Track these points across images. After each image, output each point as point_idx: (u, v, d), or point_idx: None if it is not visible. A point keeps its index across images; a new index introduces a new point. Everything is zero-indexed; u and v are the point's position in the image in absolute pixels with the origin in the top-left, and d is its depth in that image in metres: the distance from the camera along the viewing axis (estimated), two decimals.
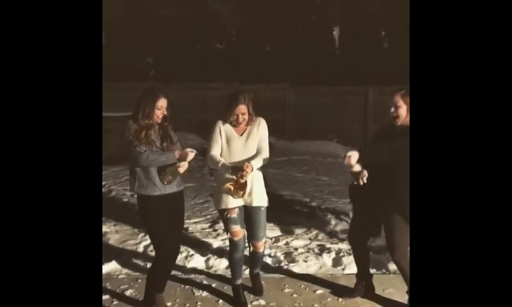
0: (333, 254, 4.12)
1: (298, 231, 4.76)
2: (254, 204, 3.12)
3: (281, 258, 4.09)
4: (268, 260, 4.03)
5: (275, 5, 12.40)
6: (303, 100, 10.85)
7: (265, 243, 3.39)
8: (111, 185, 6.56)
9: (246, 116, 3.07)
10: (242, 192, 3.03)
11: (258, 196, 3.13)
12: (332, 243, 4.41)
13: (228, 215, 3.09)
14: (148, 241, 4.40)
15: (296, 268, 3.88)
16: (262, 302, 3.29)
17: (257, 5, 12.61)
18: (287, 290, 3.47)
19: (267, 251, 4.20)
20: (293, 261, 4.01)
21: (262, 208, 3.17)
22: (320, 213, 5.30)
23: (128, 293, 3.46)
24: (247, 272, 3.52)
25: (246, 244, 3.31)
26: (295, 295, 3.39)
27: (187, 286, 3.52)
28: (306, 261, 3.99)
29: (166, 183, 2.90)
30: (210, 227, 4.87)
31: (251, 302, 3.28)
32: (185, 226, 4.87)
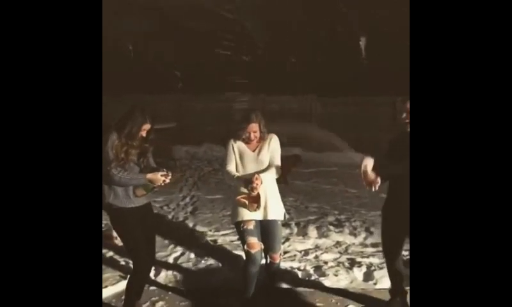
0: (364, 268, 4.05)
1: (327, 244, 4.70)
2: (269, 218, 3.16)
3: (311, 271, 4.04)
4: (298, 274, 3.99)
5: (300, 16, 12.45)
6: (330, 111, 10.80)
7: (280, 255, 3.38)
8: (153, 198, 6.65)
9: (258, 134, 3.18)
10: (256, 205, 3.08)
11: (274, 209, 3.18)
12: (363, 257, 4.33)
13: (245, 227, 3.14)
14: (179, 253, 4.46)
15: (326, 282, 3.82)
16: None
17: (283, 17, 12.70)
18: (318, 305, 3.42)
19: (296, 264, 4.17)
20: (323, 275, 3.96)
21: (278, 222, 3.22)
22: (350, 227, 5.22)
23: (159, 305, 3.49)
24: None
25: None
26: None
27: None
28: (336, 275, 3.93)
29: (139, 196, 3.00)
30: (239, 239, 4.86)
31: None
32: (214, 238, 4.91)
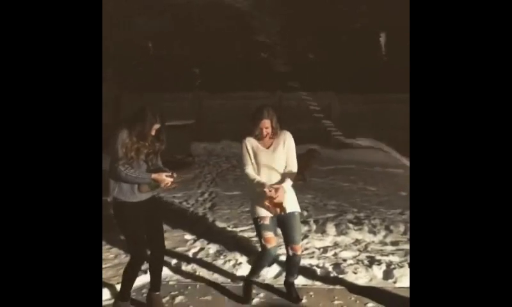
0: (383, 267, 4.01)
1: (346, 242, 4.67)
2: (287, 211, 3.20)
3: (330, 268, 4.02)
4: (317, 271, 3.98)
5: (319, 12, 12.36)
6: (349, 108, 10.71)
7: (301, 247, 3.43)
8: (159, 192, 6.72)
9: (270, 130, 3.21)
10: (279, 210, 3.16)
11: (291, 203, 3.23)
12: (382, 255, 4.29)
13: (261, 222, 3.20)
14: (197, 248, 4.49)
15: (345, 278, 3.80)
16: None
17: (300, 13, 12.63)
18: (336, 302, 3.41)
19: (315, 261, 4.16)
20: (342, 272, 3.94)
21: (296, 213, 3.27)
22: (369, 225, 5.18)
23: (178, 299, 3.53)
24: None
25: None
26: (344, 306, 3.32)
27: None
28: (355, 273, 3.90)
29: (143, 192, 3.10)
30: (256, 235, 4.88)
31: None
32: (232, 234, 4.94)
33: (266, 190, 3.08)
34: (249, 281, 3.46)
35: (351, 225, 5.12)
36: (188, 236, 4.76)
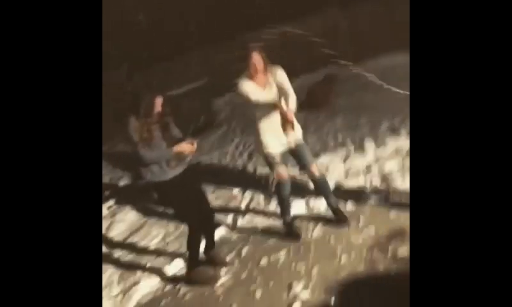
0: None
1: (387, 152, 4.70)
2: (293, 144, 3.49)
3: (378, 183, 4.10)
4: (367, 189, 4.08)
5: None
6: (356, 23, 10.26)
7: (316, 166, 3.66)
8: (198, 157, 6.86)
9: (262, 64, 3.33)
10: (291, 127, 3.33)
11: (295, 134, 3.45)
12: None
13: (273, 160, 3.46)
14: (248, 199, 4.65)
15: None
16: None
17: None
18: (392, 216, 3.52)
19: (362, 180, 4.24)
20: (391, 182, 4.01)
21: (302, 142, 3.53)
22: (406, 128, 5.13)
23: (244, 251, 3.73)
24: None
25: None
26: (401, 216, 3.43)
27: None
28: (404, 180, 3.96)
29: (173, 167, 3.26)
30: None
31: None
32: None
33: (282, 106, 3.27)
34: (286, 220, 3.68)
35: (387, 134, 5.12)
36: (236, 191, 4.91)
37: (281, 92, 3.35)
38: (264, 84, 3.40)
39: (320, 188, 3.66)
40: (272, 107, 3.36)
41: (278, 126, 3.36)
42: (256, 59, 3.33)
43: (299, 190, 4.30)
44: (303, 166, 3.58)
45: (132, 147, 3.18)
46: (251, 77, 3.39)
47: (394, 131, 5.21)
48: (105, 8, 2.38)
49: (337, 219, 3.62)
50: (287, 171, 3.54)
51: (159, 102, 3.21)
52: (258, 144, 3.53)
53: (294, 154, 3.55)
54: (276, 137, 3.43)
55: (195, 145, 3.26)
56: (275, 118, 3.36)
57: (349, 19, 10.59)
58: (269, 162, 3.52)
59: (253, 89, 3.36)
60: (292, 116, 3.27)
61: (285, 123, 3.31)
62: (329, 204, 3.69)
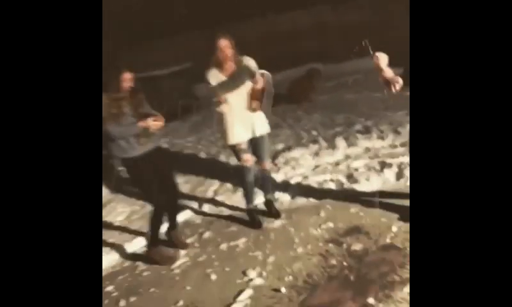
0: (394, 169, 4.15)
1: (357, 152, 4.80)
2: (257, 135, 3.53)
3: (343, 180, 4.19)
4: (331, 185, 4.16)
5: None
6: (344, 19, 10.34)
7: (269, 162, 3.84)
8: (173, 140, 6.89)
9: (230, 50, 3.36)
10: (258, 103, 3.40)
11: (261, 126, 3.54)
12: (393, 157, 4.41)
13: (239, 147, 3.53)
14: (216, 186, 4.70)
15: (359, 188, 3.98)
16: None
17: None
18: (352, 210, 3.61)
19: (328, 176, 4.32)
20: (355, 181, 4.10)
21: (265, 135, 3.59)
22: (378, 131, 5.25)
23: (206, 235, 3.78)
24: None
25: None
26: (361, 213, 3.52)
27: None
28: (368, 180, 4.06)
29: (142, 143, 3.30)
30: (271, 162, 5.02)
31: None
32: None
33: (257, 76, 3.30)
34: (250, 210, 3.78)
35: (359, 135, 5.21)
36: (205, 176, 4.95)
37: (249, 73, 3.35)
38: (231, 72, 3.41)
39: (263, 182, 3.80)
40: (238, 96, 3.40)
41: (243, 115, 3.43)
42: (224, 44, 3.34)
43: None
44: (258, 158, 3.67)
45: (104, 127, 3.16)
46: (218, 64, 3.41)
47: (366, 132, 5.30)
48: None
49: (269, 213, 3.81)
50: (251, 158, 3.61)
51: (127, 77, 3.22)
52: (225, 135, 3.57)
53: (254, 144, 3.60)
54: (242, 126, 3.47)
55: (161, 122, 3.28)
56: (240, 106, 3.42)
57: (339, 15, 10.63)
58: (235, 150, 3.59)
59: (216, 77, 3.41)
60: (260, 84, 3.32)
61: (251, 100, 3.39)
62: (265, 199, 3.87)
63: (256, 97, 3.41)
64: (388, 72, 2.79)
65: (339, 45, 10.32)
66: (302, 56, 9.59)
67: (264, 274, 3.05)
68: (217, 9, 12.41)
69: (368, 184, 4.02)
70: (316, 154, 4.90)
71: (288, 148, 5.26)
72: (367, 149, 4.80)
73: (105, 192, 5.03)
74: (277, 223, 3.71)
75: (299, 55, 9.63)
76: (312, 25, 10.37)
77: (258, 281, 2.98)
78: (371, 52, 2.82)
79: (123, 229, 4.17)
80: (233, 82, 3.40)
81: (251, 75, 3.33)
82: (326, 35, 10.43)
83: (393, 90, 2.78)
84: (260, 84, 3.34)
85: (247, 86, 3.41)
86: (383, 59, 2.76)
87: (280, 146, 5.39)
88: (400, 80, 2.75)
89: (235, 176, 4.80)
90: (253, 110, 3.44)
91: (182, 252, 3.57)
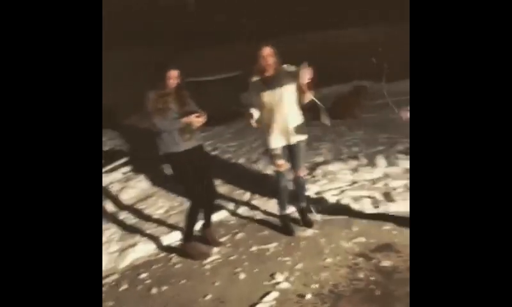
0: None
1: (397, 172, 4.76)
2: (292, 142, 3.62)
3: (380, 198, 4.17)
4: (367, 202, 4.15)
5: None
6: (396, 39, 10.22)
7: (304, 170, 3.91)
8: (216, 143, 7.09)
9: (272, 59, 3.48)
10: (308, 95, 3.50)
11: (297, 134, 3.61)
12: None
13: (273, 152, 3.64)
14: (252, 190, 4.81)
15: (394, 208, 3.95)
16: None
17: None
18: (385, 227, 3.60)
19: (365, 193, 4.32)
20: (391, 200, 4.08)
21: (301, 143, 3.66)
22: None
23: (239, 236, 3.90)
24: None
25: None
26: (394, 232, 3.51)
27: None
28: (405, 200, 4.01)
29: (185, 140, 3.47)
30: (308, 174, 5.08)
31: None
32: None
33: (305, 69, 3.36)
34: (283, 216, 3.85)
35: (400, 155, 5.16)
36: (242, 181, 5.08)
37: (291, 75, 3.46)
38: (272, 80, 3.51)
39: (298, 188, 3.87)
40: (274, 106, 3.53)
41: (281, 123, 3.53)
42: (266, 52, 3.47)
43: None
44: (292, 166, 3.74)
45: (151, 122, 3.44)
46: (261, 72, 3.54)
47: (407, 153, 5.24)
48: None
49: (303, 221, 3.87)
50: (285, 164, 3.69)
51: (173, 74, 3.43)
52: (265, 141, 3.70)
53: (290, 153, 3.68)
54: (279, 133, 3.58)
55: (203, 118, 3.44)
56: (279, 115, 3.53)
57: (393, 36, 10.55)
58: (271, 155, 3.70)
59: (256, 85, 3.56)
60: (305, 85, 3.40)
61: (302, 95, 3.50)
62: (299, 206, 3.93)
63: (305, 91, 3.49)
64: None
65: (389, 64, 10.24)
66: (353, 73, 9.60)
67: (291, 279, 3.11)
68: (272, 22, 12.68)
69: (405, 204, 3.98)
70: (355, 170, 4.91)
71: (327, 162, 5.29)
72: (407, 170, 4.74)
73: (147, 185, 5.30)
74: (309, 232, 3.76)
75: (349, 72, 9.65)
76: (365, 43, 10.35)
77: (285, 285, 3.05)
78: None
79: (161, 222, 4.37)
80: (271, 88, 3.51)
81: (294, 76, 3.44)
82: (378, 53, 10.36)
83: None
84: (305, 78, 3.39)
85: (287, 90, 3.51)
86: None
87: (320, 159, 5.44)
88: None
89: (271, 183, 4.91)
90: (306, 101, 3.55)
91: (215, 249, 3.70)
